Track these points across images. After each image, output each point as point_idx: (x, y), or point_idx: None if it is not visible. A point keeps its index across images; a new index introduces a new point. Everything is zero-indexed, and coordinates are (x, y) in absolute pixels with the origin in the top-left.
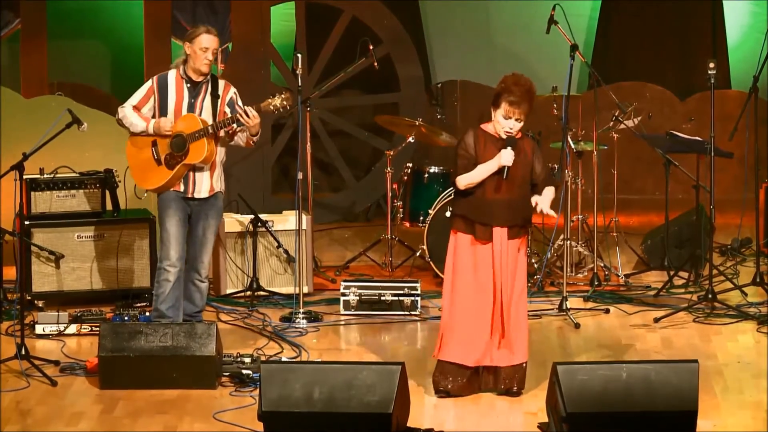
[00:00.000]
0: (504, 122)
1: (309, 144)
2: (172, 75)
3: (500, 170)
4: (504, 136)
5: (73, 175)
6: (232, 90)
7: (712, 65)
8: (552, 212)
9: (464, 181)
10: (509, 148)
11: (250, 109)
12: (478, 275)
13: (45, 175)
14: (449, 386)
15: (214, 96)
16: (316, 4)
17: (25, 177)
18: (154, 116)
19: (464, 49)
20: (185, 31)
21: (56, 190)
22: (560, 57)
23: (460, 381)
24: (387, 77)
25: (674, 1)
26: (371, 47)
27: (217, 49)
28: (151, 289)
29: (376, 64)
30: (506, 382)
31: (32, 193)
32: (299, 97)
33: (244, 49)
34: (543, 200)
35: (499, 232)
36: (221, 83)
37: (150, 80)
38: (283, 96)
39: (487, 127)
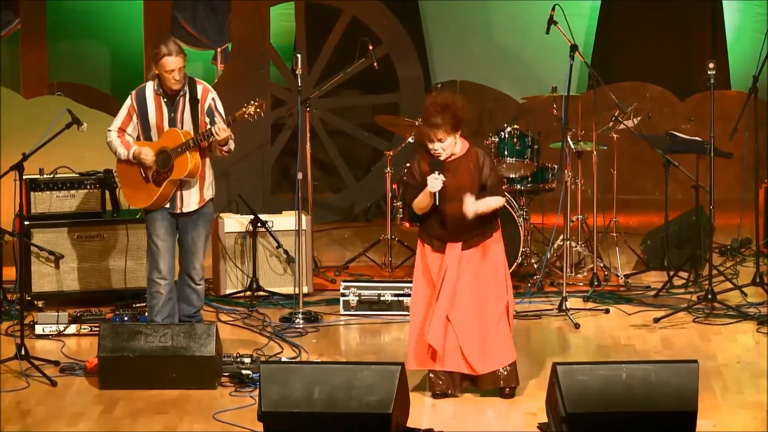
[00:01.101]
0: (430, 146)
1: (309, 144)
2: (149, 90)
3: (441, 191)
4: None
5: (73, 175)
6: (211, 96)
7: (711, 65)
8: (469, 210)
9: (415, 207)
10: (435, 173)
11: (219, 122)
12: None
13: (45, 176)
14: (446, 388)
15: (193, 104)
16: (316, 4)
17: (24, 177)
18: (139, 134)
19: (464, 49)
20: (185, 31)
21: (56, 191)
22: (560, 57)
23: (454, 381)
24: (387, 77)
25: (674, 1)
26: (371, 47)
27: (183, 66)
28: None
29: (375, 64)
30: (494, 383)
31: (32, 193)
32: (299, 97)
33: (244, 49)
34: (470, 201)
35: (452, 246)
36: (200, 88)
37: (129, 98)
38: (256, 104)
39: None
